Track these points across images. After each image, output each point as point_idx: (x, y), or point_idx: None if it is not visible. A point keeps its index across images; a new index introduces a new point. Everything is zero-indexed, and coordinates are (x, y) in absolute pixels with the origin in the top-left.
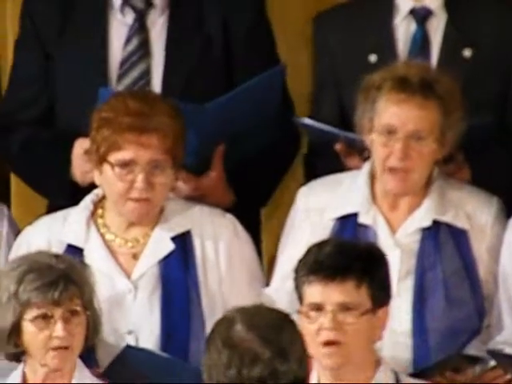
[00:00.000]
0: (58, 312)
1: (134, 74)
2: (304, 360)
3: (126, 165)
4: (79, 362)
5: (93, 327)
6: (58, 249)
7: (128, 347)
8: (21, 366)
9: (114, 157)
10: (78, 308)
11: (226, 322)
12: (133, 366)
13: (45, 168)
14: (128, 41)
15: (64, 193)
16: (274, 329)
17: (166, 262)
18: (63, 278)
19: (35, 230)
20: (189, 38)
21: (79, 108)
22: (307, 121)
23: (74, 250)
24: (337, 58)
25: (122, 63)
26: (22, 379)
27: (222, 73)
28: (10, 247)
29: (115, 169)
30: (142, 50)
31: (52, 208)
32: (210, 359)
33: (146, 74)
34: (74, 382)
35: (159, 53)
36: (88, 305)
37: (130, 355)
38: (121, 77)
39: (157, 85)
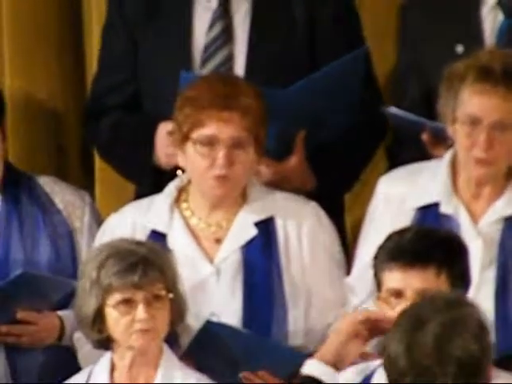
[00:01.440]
0: (139, 296)
1: (217, 59)
2: None
3: (207, 141)
4: (166, 348)
5: (177, 311)
6: (142, 235)
7: (209, 322)
8: (108, 353)
9: (196, 133)
10: (161, 292)
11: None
12: (214, 340)
13: (129, 152)
14: (211, 26)
15: (147, 177)
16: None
17: (248, 248)
18: (143, 261)
19: (120, 217)
20: (273, 22)
21: (163, 93)
22: (394, 110)
23: (158, 236)
24: (422, 46)
25: (206, 48)
26: (110, 366)
27: (305, 58)
28: (92, 234)
29: (197, 146)
30: (225, 36)
31: (139, 195)
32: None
33: (229, 60)
34: (160, 368)
35: (242, 38)
36: (171, 289)
37: (212, 330)
38: (204, 62)
39: (239, 70)
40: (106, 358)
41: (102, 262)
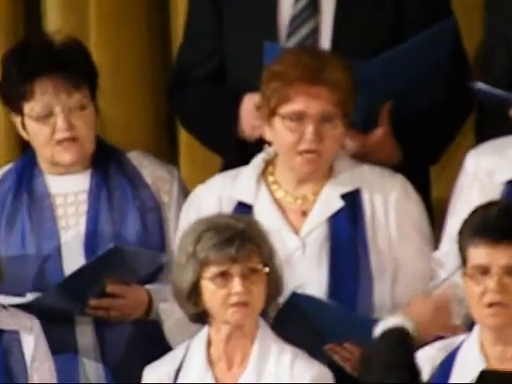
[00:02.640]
0: (235, 269)
1: (303, 32)
2: None
3: (296, 116)
4: (261, 321)
5: (274, 286)
6: (228, 206)
7: (295, 294)
8: (205, 328)
9: (284, 109)
10: (257, 266)
11: None
12: (300, 312)
13: (214, 123)
14: None
15: (231, 148)
16: None
17: (334, 220)
18: (240, 235)
19: (207, 188)
20: None
21: (248, 65)
22: (481, 85)
23: (244, 207)
24: (510, 20)
25: (292, 21)
26: (207, 339)
27: (392, 31)
28: (179, 208)
29: (285, 121)
30: (311, 8)
31: (225, 168)
32: None
33: (315, 32)
34: (256, 341)
35: (328, 11)
36: (268, 263)
37: (297, 302)
38: (290, 35)
39: (325, 43)
40: (203, 332)
41: (199, 235)
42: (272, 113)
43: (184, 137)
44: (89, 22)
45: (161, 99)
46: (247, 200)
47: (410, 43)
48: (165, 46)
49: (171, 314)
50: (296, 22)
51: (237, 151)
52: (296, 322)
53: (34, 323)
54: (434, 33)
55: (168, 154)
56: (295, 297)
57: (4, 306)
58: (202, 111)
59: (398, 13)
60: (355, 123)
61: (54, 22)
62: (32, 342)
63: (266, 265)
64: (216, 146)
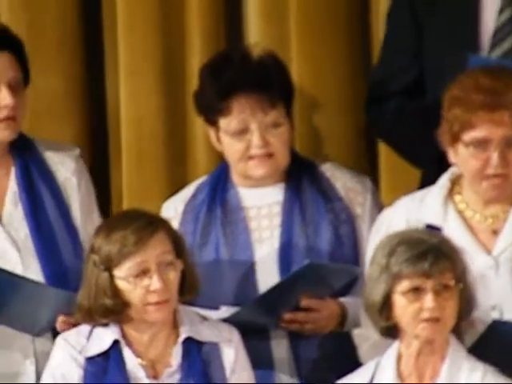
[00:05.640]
0: (429, 284)
1: (505, 45)
2: None
3: (480, 143)
4: (453, 338)
5: (465, 303)
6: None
7: (495, 322)
8: (396, 343)
9: (468, 136)
10: (450, 282)
11: None
12: (502, 339)
13: (413, 136)
14: (501, 11)
15: (431, 161)
16: None
17: None
18: (434, 250)
19: (394, 211)
20: None
21: (450, 77)
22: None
23: (433, 230)
24: None
25: (495, 33)
26: (398, 354)
27: None
28: (373, 221)
29: (469, 148)
30: None
31: (425, 181)
32: None
33: None
34: (447, 358)
35: None
36: (460, 279)
37: (499, 329)
38: (492, 47)
39: None
40: (394, 346)
41: (393, 249)
42: (455, 138)
43: (384, 148)
44: (289, 32)
45: (360, 110)
46: (436, 222)
47: None
48: (364, 55)
49: (366, 339)
50: (499, 35)
51: (437, 163)
52: (497, 350)
53: (234, 335)
54: None
55: (368, 165)
56: (496, 324)
57: (205, 318)
58: (401, 124)
59: None
60: None
61: (255, 30)
62: (232, 354)
63: (458, 281)
64: (415, 158)
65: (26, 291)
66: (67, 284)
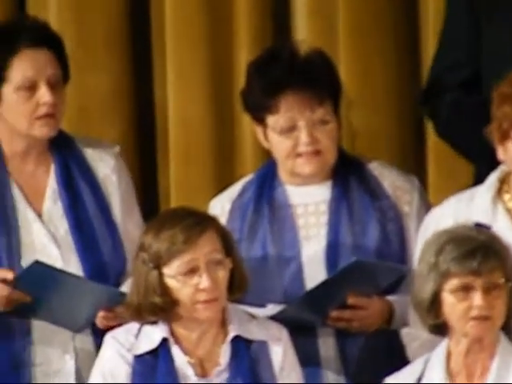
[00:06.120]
0: (478, 282)
1: None
2: None
3: None
4: (503, 336)
5: None
6: None
7: None
8: (445, 341)
9: None
10: (499, 280)
11: None
12: None
13: (469, 132)
14: None
15: (486, 157)
16: None
17: None
18: (483, 248)
19: (443, 210)
20: None
21: (508, 73)
22: None
23: (482, 228)
24: None
25: None
26: (447, 352)
27: None
28: (420, 219)
29: None
30: None
31: (478, 177)
32: None
33: None
34: (496, 356)
35: None
36: (510, 278)
37: None
38: None
39: None
40: (443, 344)
41: (441, 247)
42: (504, 136)
43: (432, 143)
44: (337, 29)
45: (408, 107)
46: (485, 221)
47: None
48: (412, 53)
49: (414, 338)
50: None
51: (491, 160)
52: None
53: (283, 334)
54: None
55: (415, 163)
56: None
57: (253, 316)
58: (456, 118)
59: None
60: None
61: (303, 28)
62: (280, 353)
63: (508, 279)
64: (469, 153)
65: (67, 286)
66: (106, 280)
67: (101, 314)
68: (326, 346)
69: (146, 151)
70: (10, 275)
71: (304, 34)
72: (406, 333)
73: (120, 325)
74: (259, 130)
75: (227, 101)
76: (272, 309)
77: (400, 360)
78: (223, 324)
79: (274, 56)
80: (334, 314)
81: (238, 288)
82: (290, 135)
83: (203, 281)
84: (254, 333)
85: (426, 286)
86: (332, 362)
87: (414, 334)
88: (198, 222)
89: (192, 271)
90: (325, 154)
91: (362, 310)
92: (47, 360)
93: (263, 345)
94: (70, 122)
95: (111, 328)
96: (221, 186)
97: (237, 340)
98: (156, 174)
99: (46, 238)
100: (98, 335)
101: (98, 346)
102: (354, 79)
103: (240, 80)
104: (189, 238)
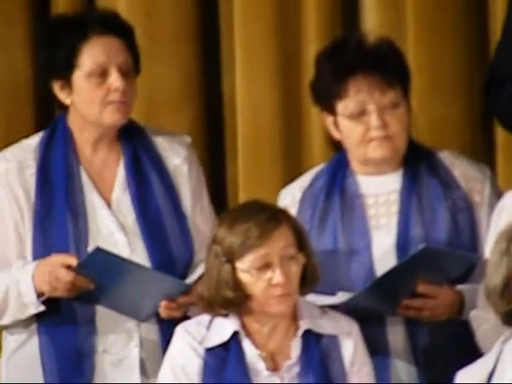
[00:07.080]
0: None
1: None
2: None
3: None
4: None
5: None
6: None
7: None
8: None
9: None
10: None
11: None
12: None
13: None
14: None
15: None
16: None
17: None
18: None
19: (509, 195)
20: None
21: None
22: None
23: None
24: None
25: None
26: None
27: None
28: (491, 208)
29: None
30: None
31: None
32: None
33: None
34: None
35: None
36: None
37: None
38: None
39: None
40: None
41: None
42: None
43: (501, 135)
44: (406, 21)
45: (477, 97)
46: None
47: None
48: (482, 43)
49: (483, 322)
50: None
51: None
52: None
53: (354, 328)
54: None
55: (484, 153)
56: None
57: (324, 311)
58: None
59: None
60: None
61: (371, 21)
62: (351, 347)
63: None
64: None
65: (134, 275)
66: (174, 270)
67: (163, 303)
68: (396, 335)
69: (214, 143)
70: (74, 261)
71: (373, 26)
72: (474, 315)
73: (185, 316)
74: (329, 121)
75: (295, 93)
76: (342, 296)
77: (470, 349)
78: (294, 318)
79: (343, 44)
80: (405, 302)
81: (309, 282)
82: (360, 120)
83: (276, 276)
84: (324, 327)
85: (498, 272)
86: (402, 351)
87: (482, 316)
88: (273, 216)
89: (265, 266)
90: (395, 140)
91: (433, 299)
92: (111, 348)
93: (334, 339)
94: (139, 113)
95: (175, 318)
96: (289, 177)
97: (308, 334)
98: (225, 167)
99: (114, 226)
100: (164, 325)
101: (163, 335)
102: (423, 72)
103: (308, 73)
104: (263, 232)
